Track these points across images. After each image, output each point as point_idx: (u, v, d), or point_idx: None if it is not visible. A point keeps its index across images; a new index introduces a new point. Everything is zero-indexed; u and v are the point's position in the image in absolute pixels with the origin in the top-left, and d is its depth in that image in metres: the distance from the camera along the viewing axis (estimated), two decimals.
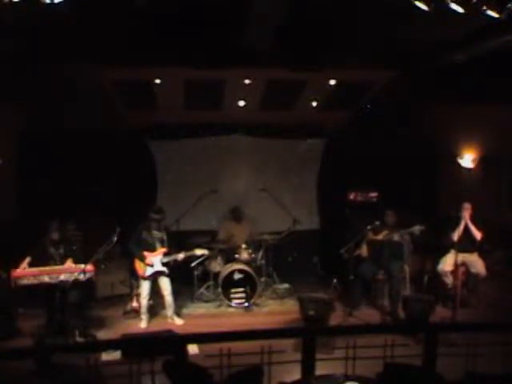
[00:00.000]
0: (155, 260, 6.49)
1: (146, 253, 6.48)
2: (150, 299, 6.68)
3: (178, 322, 6.61)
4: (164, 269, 6.54)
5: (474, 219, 6.83)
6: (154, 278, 6.55)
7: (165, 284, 6.57)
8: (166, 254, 6.53)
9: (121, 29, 5.27)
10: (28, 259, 5.86)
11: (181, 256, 6.51)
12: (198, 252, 6.73)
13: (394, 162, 8.69)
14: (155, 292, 7.01)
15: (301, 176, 9.18)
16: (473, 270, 6.86)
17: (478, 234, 6.77)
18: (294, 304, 6.66)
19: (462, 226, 6.75)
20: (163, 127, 8.59)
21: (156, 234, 6.55)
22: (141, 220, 6.67)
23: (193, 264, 7.46)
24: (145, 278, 6.51)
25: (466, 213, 6.80)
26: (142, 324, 6.50)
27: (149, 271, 6.49)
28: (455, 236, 6.67)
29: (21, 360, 3.22)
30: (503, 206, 8.27)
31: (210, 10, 4.94)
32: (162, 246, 6.55)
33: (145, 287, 6.52)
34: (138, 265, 6.53)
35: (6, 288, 6.00)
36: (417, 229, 6.68)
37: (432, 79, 7.37)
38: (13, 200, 7.96)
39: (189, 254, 6.63)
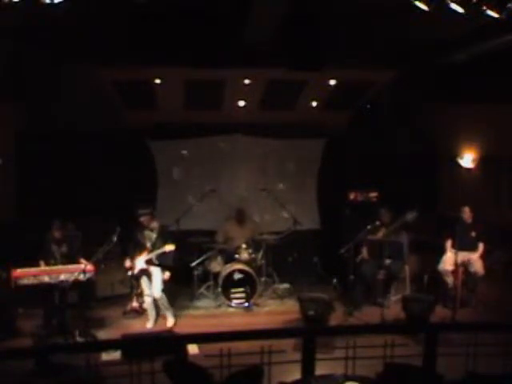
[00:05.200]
0: (139, 259, 6.46)
1: (137, 253, 6.48)
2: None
3: (169, 323, 6.50)
4: (146, 266, 6.46)
5: (473, 219, 6.83)
6: (146, 274, 6.48)
7: (153, 281, 6.46)
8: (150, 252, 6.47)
9: (121, 28, 5.28)
10: (42, 262, 5.94)
11: (168, 248, 6.37)
12: (167, 248, 6.46)
13: (394, 161, 8.69)
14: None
15: (301, 176, 9.17)
16: (471, 269, 6.86)
17: (475, 235, 6.78)
18: (294, 304, 6.66)
19: (461, 226, 6.75)
20: (163, 127, 8.58)
21: (147, 233, 6.55)
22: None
23: (193, 264, 7.45)
24: (135, 277, 6.52)
25: (466, 214, 6.84)
26: (149, 324, 6.44)
27: (135, 270, 6.48)
28: (455, 236, 6.69)
29: (21, 360, 3.22)
30: (503, 206, 8.26)
31: (209, 10, 4.95)
32: (151, 246, 6.51)
33: (141, 285, 6.54)
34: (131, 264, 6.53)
35: (5, 288, 6.00)
36: (409, 216, 6.66)
37: (432, 79, 7.37)
38: (13, 200, 7.96)
39: (161, 250, 6.45)
